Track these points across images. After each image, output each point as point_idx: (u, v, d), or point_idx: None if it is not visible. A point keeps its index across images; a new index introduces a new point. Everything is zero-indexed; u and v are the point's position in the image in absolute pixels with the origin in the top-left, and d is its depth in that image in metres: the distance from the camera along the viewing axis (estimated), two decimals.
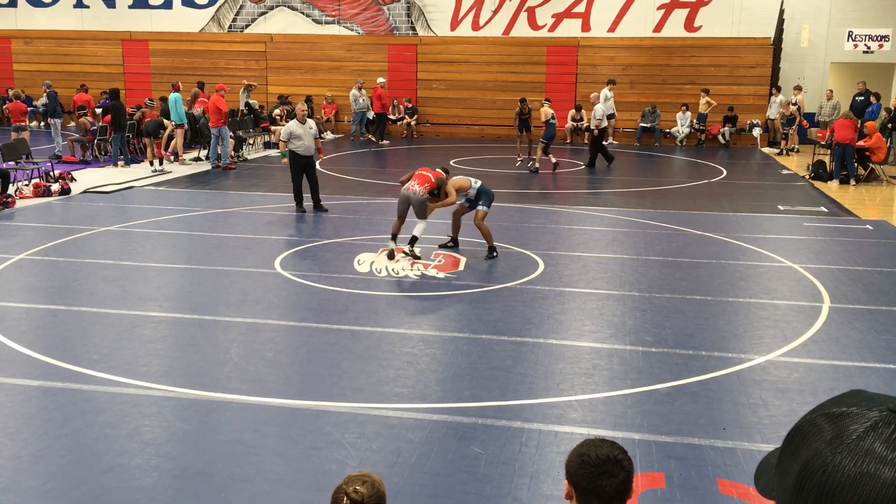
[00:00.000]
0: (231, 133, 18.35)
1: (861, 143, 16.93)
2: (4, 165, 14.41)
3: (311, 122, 12.83)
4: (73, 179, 15.05)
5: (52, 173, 14.99)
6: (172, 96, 18.54)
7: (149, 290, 8.64)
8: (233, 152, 18.52)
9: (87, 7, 27.35)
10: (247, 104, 22.11)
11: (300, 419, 5.58)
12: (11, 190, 13.52)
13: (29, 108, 19.06)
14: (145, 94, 24.78)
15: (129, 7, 27.12)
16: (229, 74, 25.48)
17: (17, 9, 27.82)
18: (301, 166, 12.60)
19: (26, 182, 14.34)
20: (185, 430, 5.41)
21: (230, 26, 26.77)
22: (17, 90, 19.59)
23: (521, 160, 18.53)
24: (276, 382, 6.25)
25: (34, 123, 24.12)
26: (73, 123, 21.10)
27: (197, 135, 19.94)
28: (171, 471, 4.86)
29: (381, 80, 23.38)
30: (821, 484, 0.92)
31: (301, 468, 4.88)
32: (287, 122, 22.31)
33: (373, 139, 23.21)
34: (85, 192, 14.44)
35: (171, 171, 17.13)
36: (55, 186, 14.10)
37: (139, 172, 16.79)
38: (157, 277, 9.15)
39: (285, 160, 12.73)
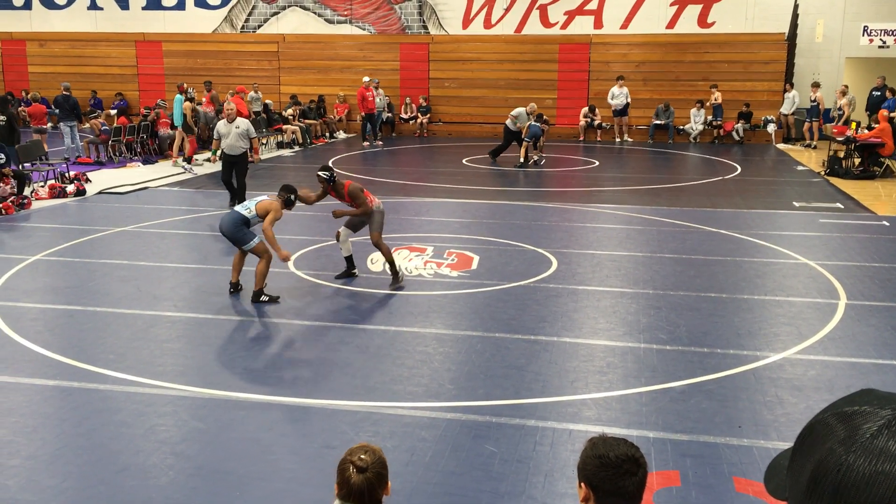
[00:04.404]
0: None
1: (868, 134, 16.83)
2: (20, 167, 14.52)
3: (241, 121, 12.85)
4: (88, 180, 15.15)
5: (67, 174, 15.10)
6: (176, 98, 18.60)
7: (163, 290, 8.69)
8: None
9: (101, 9, 27.51)
10: (264, 106, 22.16)
11: (314, 418, 5.60)
12: (27, 191, 13.63)
13: (48, 111, 19.12)
14: (159, 94, 24.92)
15: (143, 8, 27.27)
16: (242, 75, 25.57)
17: (32, 11, 28.03)
18: (227, 164, 12.86)
19: (42, 183, 14.45)
20: (201, 428, 5.44)
21: (243, 27, 26.87)
22: (34, 92, 19.72)
23: (535, 160, 18.53)
24: (290, 381, 6.27)
25: (49, 125, 24.30)
26: (87, 125, 21.22)
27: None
28: (187, 469, 4.89)
29: (365, 78, 22.51)
30: (835, 483, 0.91)
31: (316, 466, 4.89)
32: (299, 121, 22.45)
33: (378, 142, 22.88)
34: (100, 192, 14.53)
35: (195, 172, 17.14)
36: (70, 187, 14.20)
37: (154, 173, 16.87)
38: (172, 277, 9.19)
39: (213, 157, 13.23)
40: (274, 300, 8.15)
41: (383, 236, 8.83)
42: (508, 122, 18.79)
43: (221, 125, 12.81)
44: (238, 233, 8.09)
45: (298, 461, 4.99)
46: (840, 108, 20.82)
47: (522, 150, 18.21)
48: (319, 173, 8.63)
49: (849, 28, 23.25)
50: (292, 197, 8.32)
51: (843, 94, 21.04)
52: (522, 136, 18.36)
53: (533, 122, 18.34)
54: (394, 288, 8.56)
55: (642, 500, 2.37)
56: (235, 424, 5.51)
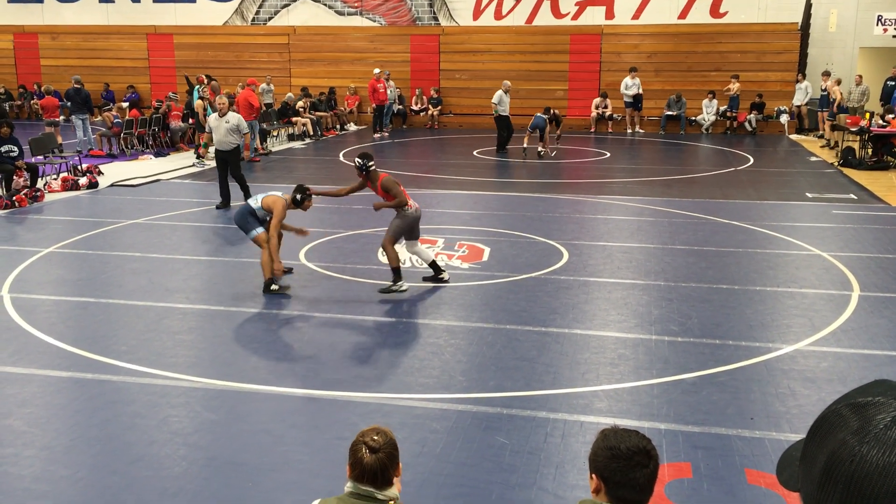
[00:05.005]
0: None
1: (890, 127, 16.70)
2: (33, 160, 14.60)
3: (233, 116, 12.39)
4: (100, 173, 15.21)
5: (79, 167, 15.17)
6: (195, 88, 18.68)
7: (176, 282, 8.73)
8: (259, 144, 18.61)
9: (112, 2, 27.57)
10: (284, 103, 22.14)
11: (326, 409, 5.62)
12: (40, 184, 13.70)
13: (60, 104, 19.22)
14: (170, 87, 24.96)
15: (154, 1, 27.31)
16: (253, 67, 25.59)
17: (44, 4, 28.11)
18: (219, 160, 12.55)
19: (55, 176, 14.52)
20: (213, 420, 5.47)
21: (253, 19, 26.87)
22: (47, 85, 19.80)
23: (539, 151, 18.42)
24: (301, 373, 6.29)
25: (62, 118, 24.42)
26: (99, 118, 21.31)
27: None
28: (200, 460, 4.92)
29: (376, 70, 22.74)
30: (848, 474, 0.91)
31: (327, 457, 4.91)
32: (309, 114, 22.46)
33: (385, 132, 22.92)
34: (112, 185, 14.60)
35: (205, 164, 17.16)
36: (83, 180, 14.26)
37: (165, 165, 16.92)
38: (184, 269, 9.23)
39: (203, 150, 12.72)
40: (284, 290, 8.19)
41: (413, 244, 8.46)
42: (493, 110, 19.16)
43: (213, 119, 12.50)
44: (241, 220, 8.35)
45: (310, 452, 5.01)
46: (834, 98, 20.61)
47: (525, 140, 18.20)
48: (356, 159, 8.42)
49: (862, 17, 23.05)
50: (298, 197, 8.35)
51: (839, 83, 20.82)
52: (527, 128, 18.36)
53: (538, 115, 18.23)
54: (383, 290, 8.15)
55: (653, 491, 2.37)
56: (247, 416, 5.54)
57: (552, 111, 19.10)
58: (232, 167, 12.54)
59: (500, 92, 19.10)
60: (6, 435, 5.23)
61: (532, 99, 24.43)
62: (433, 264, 8.55)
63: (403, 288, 8.12)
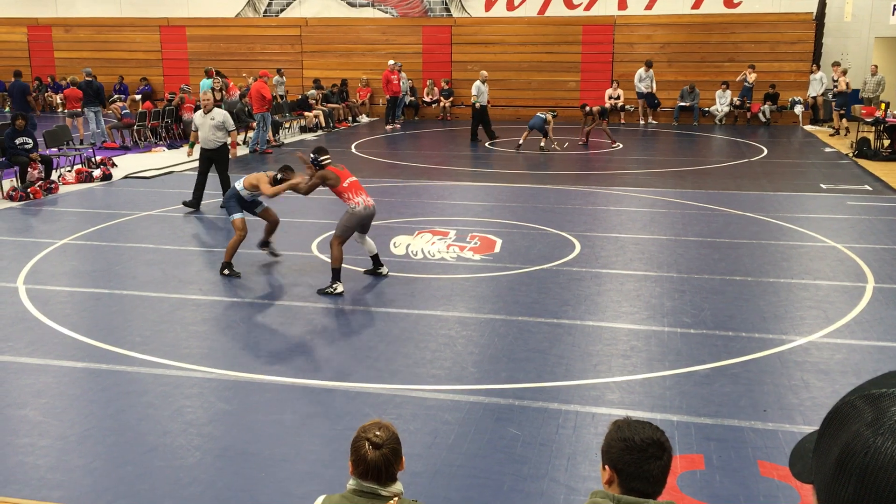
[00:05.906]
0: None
1: None
2: (47, 152, 14.68)
3: (218, 112, 11.80)
4: (114, 165, 15.28)
5: (93, 159, 15.24)
6: (202, 82, 18.68)
7: (189, 273, 8.77)
8: (271, 136, 18.64)
9: None
10: (304, 97, 22.12)
11: (338, 400, 5.64)
12: (55, 176, 13.78)
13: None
14: (183, 79, 25.03)
15: None
16: (265, 59, 25.62)
17: None
18: (204, 158, 11.91)
19: (69, 168, 14.60)
20: (227, 410, 5.50)
21: (265, 11, 26.89)
22: (73, 76, 19.83)
23: (541, 146, 18.25)
24: (314, 364, 6.31)
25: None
26: (110, 110, 21.37)
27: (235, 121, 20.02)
28: (213, 450, 4.95)
29: (391, 62, 22.73)
30: (863, 466, 0.90)
31: (340, 448, 4.93)
32: (321, 106, 22.45)
33: (397, 124, 22.81)
34: (126, 177, 14.67)
35: None
36: (97, 172, 14.33)
37: (179, 157, 16.97)
38: (197, 261, 9.27)
39: (190, 150, 12.41)
40: (235, 275, 8.51)
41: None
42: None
43: (198, 116, 11.89)
44: (226, 203, 8.82)
45: (322, 443, 5.03)
46: (838, 83, 20.47)
47: (522, 137, 18.14)
48: (310, 153, 8.51)
49: (878, 7, 22.82)
50: (279, 176, 8.56)
51: (845, 72, 20.68)
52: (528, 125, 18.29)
53: (538, 114, 18.08)
54: (320, 291, 7.95)
55: (666, 483, 2.36)
56: (260, 406, 5.57)
57: (587, 107, 18.80)
58: (219, 166, 11.97)
59: (477, 82, 19.30)
60: (22, 425, 5.28)
61: (544, 90, 24.38)
62: (375, 258, 8.50)
63: (339, 290, 7.89)
